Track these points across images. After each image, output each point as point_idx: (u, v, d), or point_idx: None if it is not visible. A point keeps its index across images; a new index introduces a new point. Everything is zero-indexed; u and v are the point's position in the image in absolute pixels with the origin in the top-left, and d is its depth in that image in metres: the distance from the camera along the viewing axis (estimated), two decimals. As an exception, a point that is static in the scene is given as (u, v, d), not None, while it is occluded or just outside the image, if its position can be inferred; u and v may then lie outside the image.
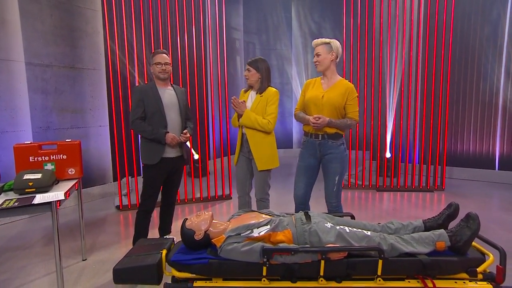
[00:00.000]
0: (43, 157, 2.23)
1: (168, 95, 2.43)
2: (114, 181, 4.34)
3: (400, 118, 4.44)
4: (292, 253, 1.52)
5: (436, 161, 4.24)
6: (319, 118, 2.19)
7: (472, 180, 4.74)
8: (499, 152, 4.64)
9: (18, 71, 3.54)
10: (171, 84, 2.53)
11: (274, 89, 2.47)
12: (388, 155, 4.87)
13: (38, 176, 1.98)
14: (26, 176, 1.96)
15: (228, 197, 4.10)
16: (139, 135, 2.50)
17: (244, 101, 2.42)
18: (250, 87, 2.54)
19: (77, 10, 3.98)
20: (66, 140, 2.36)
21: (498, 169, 4.65)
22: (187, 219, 1.76)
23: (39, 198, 1.85)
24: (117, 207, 3.76)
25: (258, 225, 1.66)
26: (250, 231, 1.64)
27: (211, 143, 4.43)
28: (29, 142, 2.25)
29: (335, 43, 2.24)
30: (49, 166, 2.25)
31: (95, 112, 4.23)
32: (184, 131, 2.46)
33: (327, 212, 2.43)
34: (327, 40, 2.24)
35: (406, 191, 4.31)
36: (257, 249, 1.54)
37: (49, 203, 1.82)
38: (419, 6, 4.10)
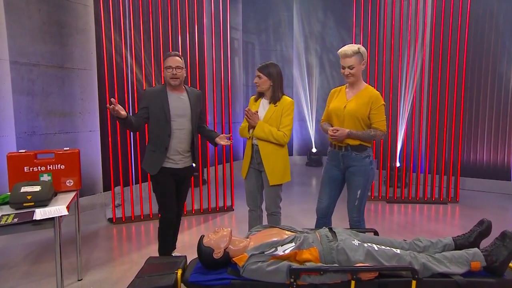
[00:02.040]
0: (39, 167, 2.21)
1: (179, 101, 2.41)
2: (104, 191, 4.28)
3: (411, 126, 4.53)
4: (321, 273, 1.54)
5: (449, 172, 4.33)
6: (337, 130, 2.23)
7: (486, 192, 4.84)
8: (514, 163, 4.77)
9: (2, 70, 3.49)
10: (185, 87, 2.50)
11: (290, 98, 2.49)
12: (398, 164, 4.95)
13: (37, 188, 1.96)
14: (24, 189, 1.93)
15: (230, 209, 4.10)
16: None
17: (257, 112, 2.43)
18: (261, 95, 2.55)
19: (67, 5, 3.96)
20: (64, 149, 2.33)
21: (513, 180, 4.78)
22: (204, 236, 1.76)
23: (39, 213, 1.82)
24: (110, 220, 3.71)
25: (282, 243, 1.67)
26: (274, 249, 1.65)
27: (211, 149, 4.42)
28: (24, 151, 2.22)
29: (364, 50, 2.27)
30: (45, 177, 2.22)
31: (85, 115, 4.19)
32: (228, 135, 2.53)
33: (349, 227, 2.47)
34: (356, 47, 2.24)
35: (418, 203, 4.39)
36: (284, 268, 1.55)
37: (52, 218, 1.79)
38: (433, 8, 4.21)
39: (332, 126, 2.40)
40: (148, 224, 3.73)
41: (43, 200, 1.94)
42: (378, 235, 1.98)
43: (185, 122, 2.43)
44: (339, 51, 2.32)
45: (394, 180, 4.60)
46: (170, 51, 3.90)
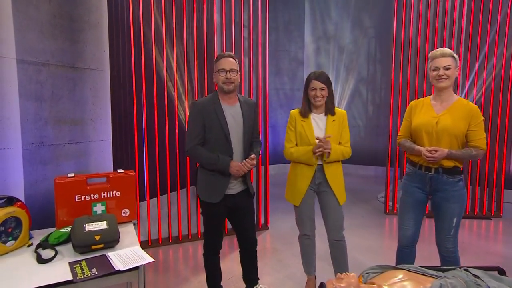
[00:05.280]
0: (92, 195, 1.86)
1: (233, 114, 2.14)
2: (119, 209, 3.89)
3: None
4: (487, 331, 1.33)
5: (493, 184, 4.27)
6: (436, 151, 2.03)
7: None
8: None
9: (8, 70, 3.05)
10: (238, 96, 2.23)
11: (342, 109, 2.39)
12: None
13: (103, 225, 1.62)
14: (89, 227, 1.59)
15: (265, 227, 3.82)
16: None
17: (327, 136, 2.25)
18: (310, 109, 2.33)
19: (79, -4, 3.55)
20: (118, 171, 1.99)
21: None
22: (324, 283, 1.51)
23: (116, 260, 1.49)
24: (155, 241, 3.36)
25: (428, 293, 1.45)
26: (420, 301, 1.42)
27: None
28: (73, 175, 1.86)
29: (457, 57, 2.12)
30: (99, 207, 1.88)
31: (96, 123, 3.78)
32: (252, 156, 2.11)
33: (440, 260, 2.28)
34: (452, 52, 2.11)
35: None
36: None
37: (136, 268, 1.47)
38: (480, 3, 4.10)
39: (414, 143, 2.21)
40: (176, 248, 3.42)
41: (112, 241, 1.61)
42: (505, 274, 1.80)
43: (240, 138, 2.16)
44: (433, 51, 2.15)
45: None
46: (184, 50, 3.59)
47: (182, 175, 3.66)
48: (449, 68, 2.07)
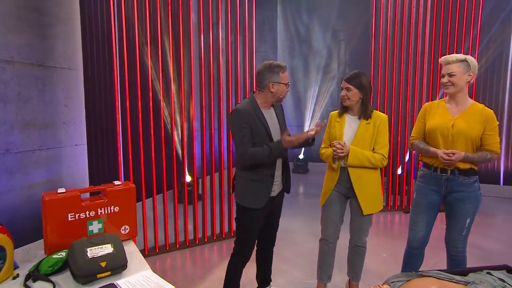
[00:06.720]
0: (87, 213, 1.58)
1: (272, 118, 2.13)
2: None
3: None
4: None
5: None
6: (453, 154, 2.00)
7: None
8: (503, 167, 5.10)
9: (-34, 68, 2.60)
10: None
11: (383, 114, 2.24)
12: (399, 172, 4.95)
13: (108, 249, 1.37)
14: (91, 252, 1.33)
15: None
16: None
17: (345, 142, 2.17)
18: (344, 110, 2.26)
19: (48, -13, 3.15)
20: (115, 183, 1.72)
21: (503, 184, 5.11)
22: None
23: (129, 289, 1.25)
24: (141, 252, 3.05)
25: (466, 303, 1.37)
26: (460, 312, 1.34)
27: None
28: (64, 190, 1.57)
29: (472, 60, 2.06)
30: (95, 226, 1.61)
31: (69, 126, 3.39)
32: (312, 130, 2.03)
33: (446, 258, 2.26)
34: (462, 56, 2.06)
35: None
36: None
37: (155, 297, 1.24)
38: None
39: (428, 145, 2.17)
40: (183, 253, 3.21)
41: (120, 266, 1.37)
42: (513, 272, 1.79)
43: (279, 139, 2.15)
44: (441, 58, 2.14)
45: (395, 187, 4.61)
46: (170, 50, 3.34)
47: (164, 179, 3.39)
48: (453, 75, 2.05)
